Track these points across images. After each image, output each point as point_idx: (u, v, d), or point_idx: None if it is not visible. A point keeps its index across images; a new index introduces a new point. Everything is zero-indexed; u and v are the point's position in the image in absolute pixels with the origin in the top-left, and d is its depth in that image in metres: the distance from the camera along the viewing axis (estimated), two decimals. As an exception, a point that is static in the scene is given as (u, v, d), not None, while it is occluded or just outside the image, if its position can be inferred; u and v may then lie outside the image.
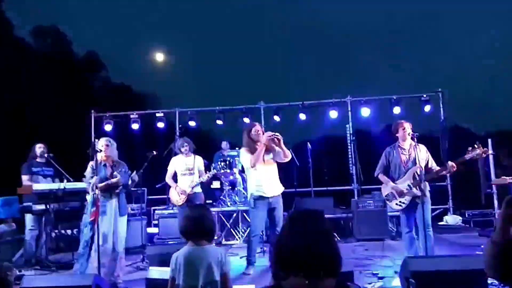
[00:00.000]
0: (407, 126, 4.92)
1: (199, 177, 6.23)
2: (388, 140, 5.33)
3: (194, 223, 2.87)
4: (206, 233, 2.89)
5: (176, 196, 6.19)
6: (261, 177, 5.15)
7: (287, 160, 5.29)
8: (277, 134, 5.13)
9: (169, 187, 6.52)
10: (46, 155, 6.32)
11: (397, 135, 5.02)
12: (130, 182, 5.00)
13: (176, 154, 6.65)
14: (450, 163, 4.64)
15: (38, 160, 6.39)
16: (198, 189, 6.26)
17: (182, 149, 6.27)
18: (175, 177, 6.36)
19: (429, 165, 4.88)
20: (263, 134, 5.21)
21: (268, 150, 5.20)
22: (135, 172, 5.08)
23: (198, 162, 6.33)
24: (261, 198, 5.15)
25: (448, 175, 8.89)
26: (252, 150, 5.16)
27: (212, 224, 2.95)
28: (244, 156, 5.29)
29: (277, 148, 5.18)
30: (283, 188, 5.37)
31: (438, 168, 4.84)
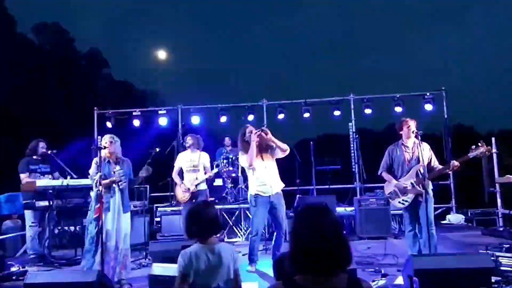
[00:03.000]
0: (412, 124, 4.89)
1: (205, 173, 6.24)
2: (391, 138, 5.32)
3: (197, 222, 2.78)
4: (211, 229, 2.82)
5: (181, 193, 6.19)
6: (260, 175, 5.14)
7: (286, 153, 5.23)
8: (262, 128, 5.14)
9: (172, 184, 6.52)
10: (49, 152, 6.31)
11: (400, 132, 5.01)
12: (144, 174, 4.99)
13: (178, 151, 6.65)
14: (453, 162, 4.62)
15: (35, 157, 6.35)
16: (203, 186, 6.26)
17: (186, 144, 6.29)
18: (181, 174, 6.36)
19: (432, 164, 4.86)
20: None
21: (265, 148, 5.21)
22: (146, 166, 5.06)
23: (204, 158, 6.33)
24: (261, 196, 5.13)
25: (451, 173, 8.89)
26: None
27: (216, 219, 2.86)
28: (241, 159, 5.33)
29: (273, 144, 5.17)
30: (283, 185, 5.32)
31: (440, 166, 4.83)
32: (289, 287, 1.55)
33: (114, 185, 4.73)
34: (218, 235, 2.94)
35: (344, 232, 1.61)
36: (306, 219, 1.60)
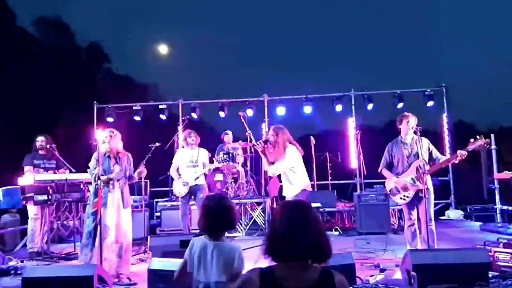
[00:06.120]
0: (411, 120, 4.87)
1: (203, 169, 6.25)
2: (391, 134, 5.31)
3: (213, 218, 2.59)
4: (226, 227, 2.65)
5: (179, 187, 6.20)
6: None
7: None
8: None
9: (172, 179, 6.53)
10: (48, 146, 6.31)
11: (400, 127, 5.00)
12: (136, 175, 4.99)
13: (178, 145, 6.64)
14: (460, 151, 4.57)
15: (40, 152, 6.38)
16: (201, 181, 6.27)
17: (189, 140, 6.27)
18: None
19: (434, 156, 4.85)
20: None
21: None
22: (142, 165, 5.05)
23: (203, 155, 6.35)
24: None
25: (450, 169, 8.92)
26: None
27: (233, 216, 2.64)
28: None
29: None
30: (299, 190, 4.90)
31: (444, 157, 4.82)
32: (266, 274, 1.58)
33: (114, 181, 4.72)
34: (226, 233, 2.76)
35: (325, 229, 1.67)
36: (289, 211, 1.65)
